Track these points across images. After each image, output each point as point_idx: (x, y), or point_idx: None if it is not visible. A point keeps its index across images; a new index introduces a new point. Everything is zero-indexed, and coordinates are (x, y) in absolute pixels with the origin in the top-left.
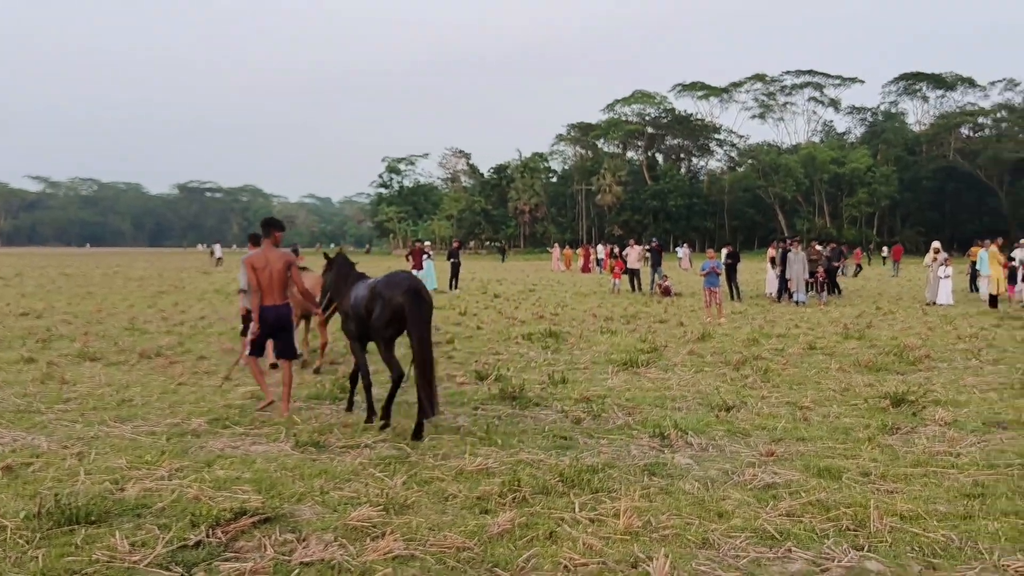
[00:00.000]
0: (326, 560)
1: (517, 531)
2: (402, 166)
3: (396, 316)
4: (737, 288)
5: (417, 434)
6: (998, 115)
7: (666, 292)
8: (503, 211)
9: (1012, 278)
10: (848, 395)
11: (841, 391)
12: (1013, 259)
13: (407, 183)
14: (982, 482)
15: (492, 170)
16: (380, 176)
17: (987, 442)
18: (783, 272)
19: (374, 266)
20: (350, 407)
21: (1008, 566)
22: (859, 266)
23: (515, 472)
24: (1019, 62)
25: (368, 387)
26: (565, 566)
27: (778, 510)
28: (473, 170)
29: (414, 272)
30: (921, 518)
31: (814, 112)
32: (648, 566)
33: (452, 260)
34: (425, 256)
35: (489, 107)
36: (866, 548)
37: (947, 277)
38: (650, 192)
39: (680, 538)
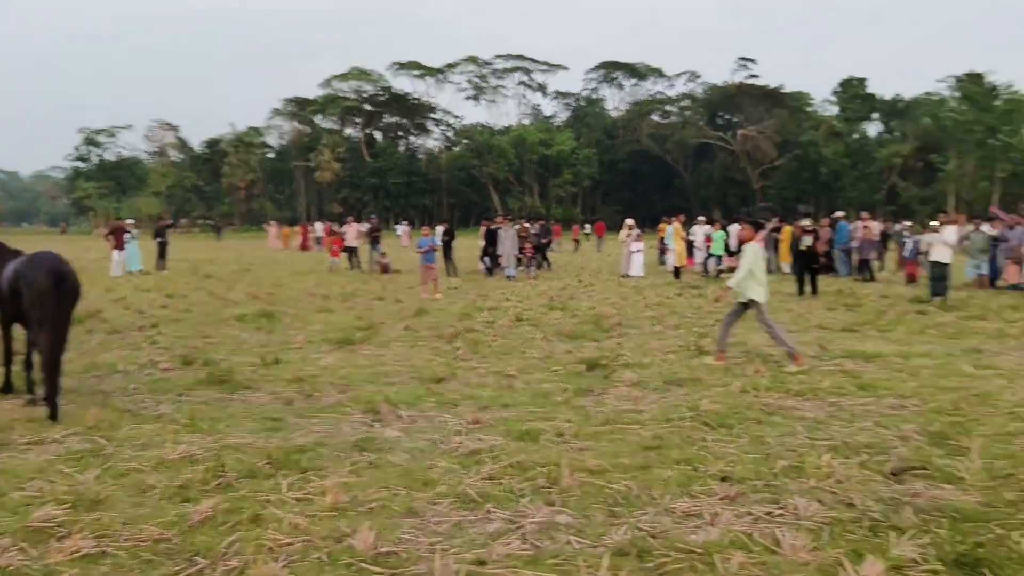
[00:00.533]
0: (3, 567)
1: (220, 517)
2: (102, 138)
3: (39, 298)
4: (453, 264)
5: (53, 415)
6: (682, 104)
7: (384, 269)
8: (216, 187)
9: (691, 251)
10: (550, 362)
11: (544, 359)
12: (692, 235)
13: (108, 157)
14: (660, 435)
15: (204, 144)
16: (76, 149)
17: (666, 399)
18: (494, 249)
19: (70, 247)
20: (34, 400)
21: (676, 508)
22: (577, 241)
23: (220, 457)
24: (701, 57)
25: (8, 363)
26: (269, 547)
27: (480, 474)
28: (183, 144)
29: (115, 253)
30: (607, 471)
31: (524, 96)
32: (352, 539)
33: (159, 239)
34: (127, 235)
35: (201, 79)
36: (558, 503)
37: (639, 251)
38: (369, 169)
39: (386, 509)
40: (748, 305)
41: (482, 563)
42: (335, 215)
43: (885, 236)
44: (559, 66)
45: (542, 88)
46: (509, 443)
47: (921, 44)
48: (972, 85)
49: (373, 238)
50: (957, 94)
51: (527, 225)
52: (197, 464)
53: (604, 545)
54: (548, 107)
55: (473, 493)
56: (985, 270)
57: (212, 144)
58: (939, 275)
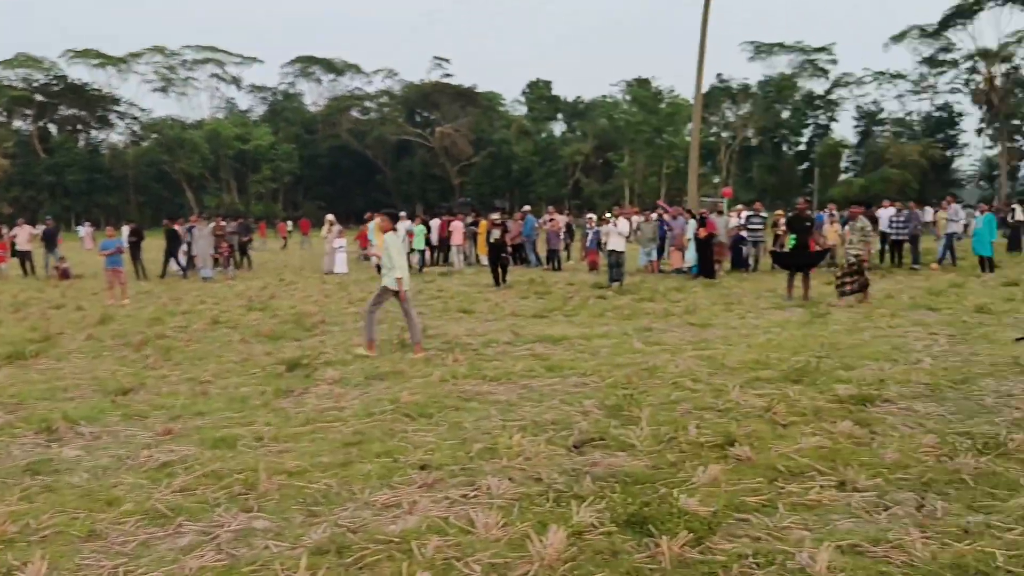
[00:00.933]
0: None
1: None
2: None
3: None
4: (142, 266)
5: None
6: (381, 100)
7: (64, 275)
8: None
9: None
10: (248, 365)
11: (241, 362)
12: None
13: None
14: (361, 430)
15: None
16: None
17: (367, 394)
18: (189, 248)
19: None
20: None
21: (376, 501)
22: (285, 239)
23: None
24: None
25: None
26: None
27: (172, 487)
28: None
29: None
30: (307, 472)
31: (217, 88)
32: (22, 572)
33: None
34: None
35: None
36: (255, 509)
37: (341, 248)
38: (44, 166)
39: (63, 535)
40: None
41: None
42: (5, 217)
43: (570, 228)
44: (253, 59)
45: (236, 81)
46: (203, 452)
47: (598, 50)
48: (640, 89)
49: (49, 241)
50: (628, 97)
51: (223, 223)
52: None
53: (303, 546)
54: (244, 101)
55: (163, 508)
56: (654, 256)
57: None
58: (615, 262)
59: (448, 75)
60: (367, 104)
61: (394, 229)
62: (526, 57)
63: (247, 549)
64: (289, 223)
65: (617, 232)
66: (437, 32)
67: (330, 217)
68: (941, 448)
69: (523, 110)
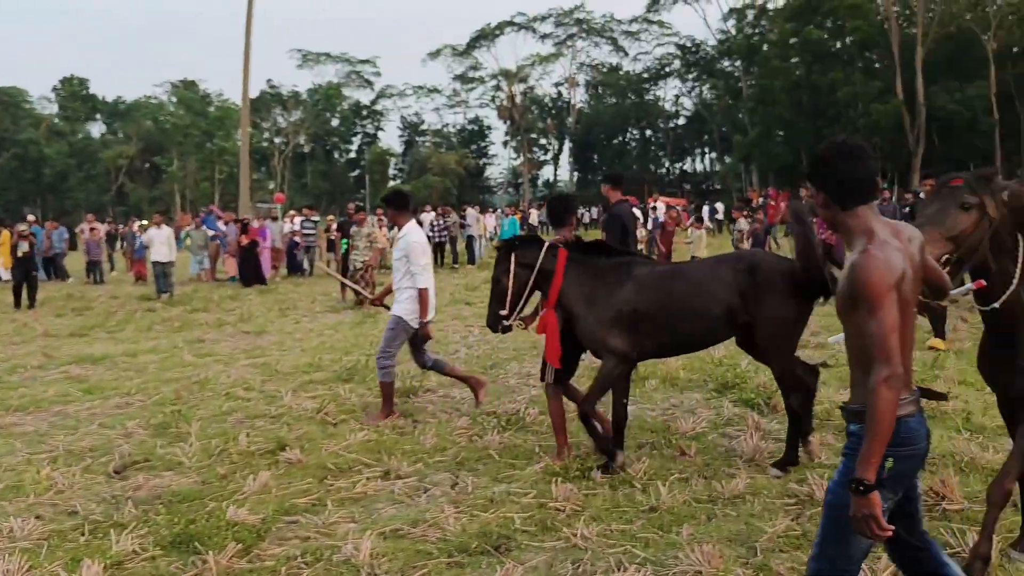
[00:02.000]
0: None
1: None
2: None
3: None
4: None
5: None
6: None
7: None
8: None
9: None
10: None
11: None
12: None
13: None
14: None
15: None
16: None
17: None
18: None
19: None
20: None
21: None
22: None
23: None
24: None
25: None
26: None
27: None
28: None
29: None
30: None
31: None
32: None
33: None
34: None
35: None
36: None
37: None
38: None
39: None
40: None
41: None
42: None
43: (113, 237)
44: None
45: None
46: None
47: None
48: (187, 92)
49: None
50: (175, 99)
51: None
52: None
53: None
54: None
55: None
56: (207, 265)
57: None
58: (160, 272)
59: None
60: None
61: None
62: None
63: None
64: None
65: (161, 241)
66: None
67: None
68: (473, 428)
69: (53, 108)
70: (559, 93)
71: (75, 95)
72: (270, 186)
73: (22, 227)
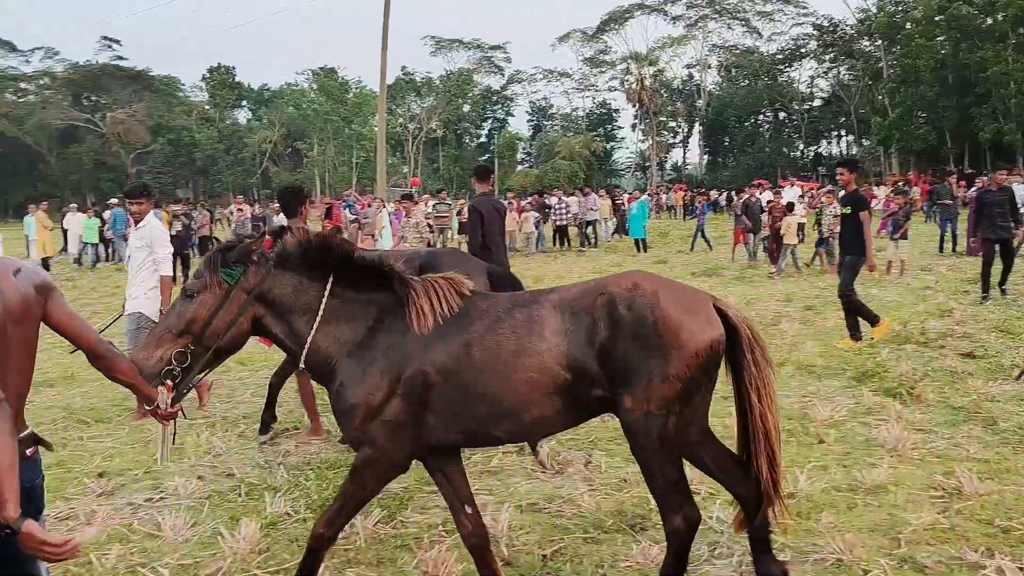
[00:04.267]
0: None
1: None
2: None
3: None
4: None
5: None
6: (41, 82)
7: None
8: None
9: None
10: None
11: None
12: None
13: None
14: None
15: None
16: None
17: (33, 402)
18: None
19: None
20: None
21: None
22: None
23: None
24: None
25: None
26: None
27: None
28: None
29: None
30: None
31: None
32: None
33: None
34: None
35: None
36: None
37: None
38: None
39: None
40: None
41: None
42: None
43: (258, 219)
44: None
45: None
46: None
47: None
48: (327, 79)
49: None
50: (315, 87)
51: None
52: None
53: None
54: None
55: None
56: None
57: None
58: None
59: (120, 57)
60: (23, 86)
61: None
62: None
63: None
64: None
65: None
66: (103, 10)
67: None
68: None
69: (204, 96)
70: (690, 75)
71: (223, 83)
72: (404, 170)
73: (176, 208)
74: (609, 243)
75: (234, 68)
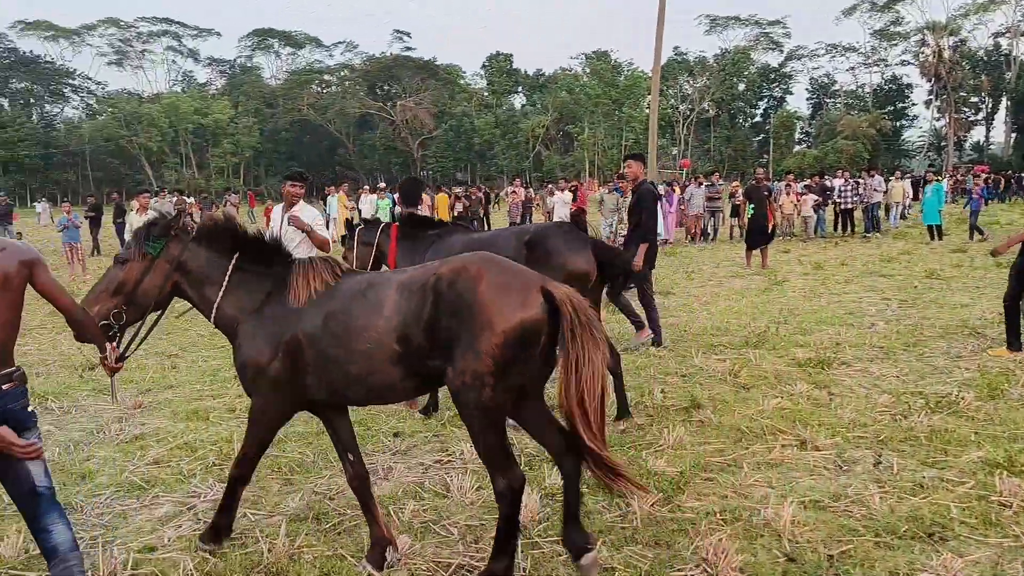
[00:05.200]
0: None
1: None
2: None
3: None
4: (98, 243)
5: None
6: (341, 74)
7: None
8: None
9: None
10: (216, 338)
11: (210, 335)
12: (362, 204)
13: None
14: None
15: None
16: None
17: None
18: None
19: None
20: None
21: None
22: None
23: None
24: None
25: None
26: None
27: (145, 459)
28: None
29: None
30: (282, 441)
31: (174, 61)
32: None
33: None
34: None
35: None
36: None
37: None
38: None
39: None
40: None
41: (152, 549)
42: None
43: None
44: (210, 31)
45: (193, 54)
46: (176, 425)
47: (557, 23)
48: (600, 63)
49: (3, 218)
50: (588, 71)
51: (186, 199)
52: None
53: (281, 513)
54: (201, 74)
55: (138, 480)
56: (615, 228)
57: None
58: None
59: (409, 48)
60: (327, 78)
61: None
62: (485, 30)
63: None
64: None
65: (561, 202)
66: (395, 4)
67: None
68: (896, 407)
69: (483, 83)
70: (996, 45)
71: (501, 70)
72: (673, 152)
73: (458, 190)
74: (897, 229)
75: (511, 55)
